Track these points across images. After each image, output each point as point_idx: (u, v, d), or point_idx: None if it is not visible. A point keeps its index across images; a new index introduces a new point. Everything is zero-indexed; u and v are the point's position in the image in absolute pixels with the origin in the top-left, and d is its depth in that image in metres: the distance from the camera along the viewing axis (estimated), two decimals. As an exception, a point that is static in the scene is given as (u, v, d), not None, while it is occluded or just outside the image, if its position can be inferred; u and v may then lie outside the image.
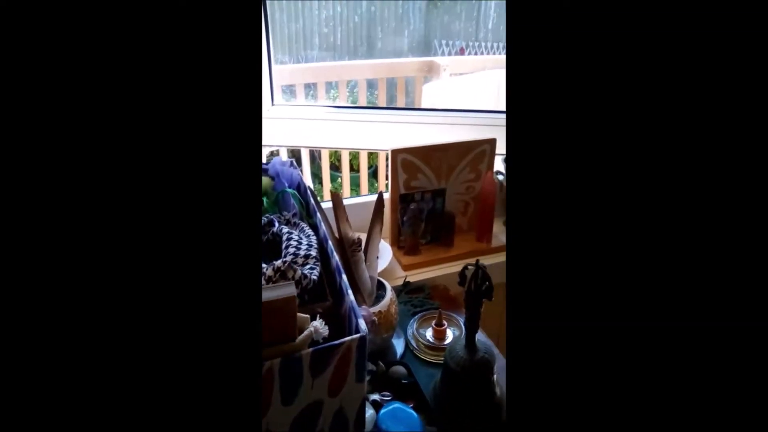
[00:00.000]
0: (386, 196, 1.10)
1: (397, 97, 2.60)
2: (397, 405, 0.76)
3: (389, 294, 0.88)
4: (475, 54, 3.71)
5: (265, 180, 0.91)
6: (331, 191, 1.27)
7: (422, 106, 2.40)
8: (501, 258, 1.18)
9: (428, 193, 1.16)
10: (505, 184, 1.28)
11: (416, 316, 0.98)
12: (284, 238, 0.73)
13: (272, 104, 1.39)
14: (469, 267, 0.73)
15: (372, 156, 2.79)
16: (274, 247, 0.74)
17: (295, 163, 0.94)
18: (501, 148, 1.19)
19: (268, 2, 1.29)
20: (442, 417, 0.78)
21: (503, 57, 3.49)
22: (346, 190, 2.40)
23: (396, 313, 0.89)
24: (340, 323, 0.65)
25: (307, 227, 0.78)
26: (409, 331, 0.95)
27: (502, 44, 3.69)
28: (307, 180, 2.15)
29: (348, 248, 0.85)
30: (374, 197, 0.96)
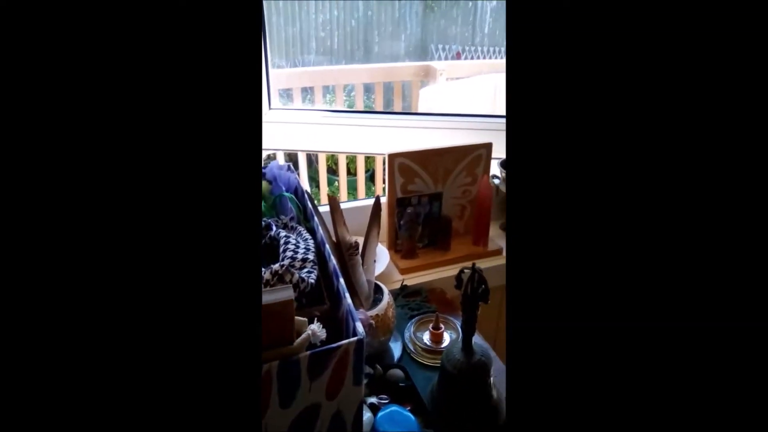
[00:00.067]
0: (383, 200, 1.10)
1: (393, 101, 2.61)
2: (394, 408, 0.76)
3: (386, 297, 0.88)
4: (472, 58, 3.72)
5: (263, 184, 0.91)
6: (328, 195, 1.27)
7: (419, 111, 2.40)
8: (497, 261, 1.18)
9: (425, 196, 1.16)
10: (501, 188, 1.29)
11: (413, 320, 0.99)
12: (282, 241, 0.73)
13: (269, 108, 1.39)
14: (466, 270, 0.73)
15: (369, 160, 2.79)
16: (271, 251, 0.75)
17: (292, 166, 0.94)
18: (497, 152, 1.19)
19: (265, 6, 1.29)
20: (440, 420, 0.78)
21: (499, 61, 3.51)
22: (343, 193, 2.40)
23: (393, 317, 0.89)
24: (338, 326, 0.65)
25: (305, 231, 0.78)
26: (407, 335, 0.95)
27: (499, 48, 3.70)
28: (304, 184, 2.15)
29: (345, 252, 0.85)
30: (371, 201, 0.97)
